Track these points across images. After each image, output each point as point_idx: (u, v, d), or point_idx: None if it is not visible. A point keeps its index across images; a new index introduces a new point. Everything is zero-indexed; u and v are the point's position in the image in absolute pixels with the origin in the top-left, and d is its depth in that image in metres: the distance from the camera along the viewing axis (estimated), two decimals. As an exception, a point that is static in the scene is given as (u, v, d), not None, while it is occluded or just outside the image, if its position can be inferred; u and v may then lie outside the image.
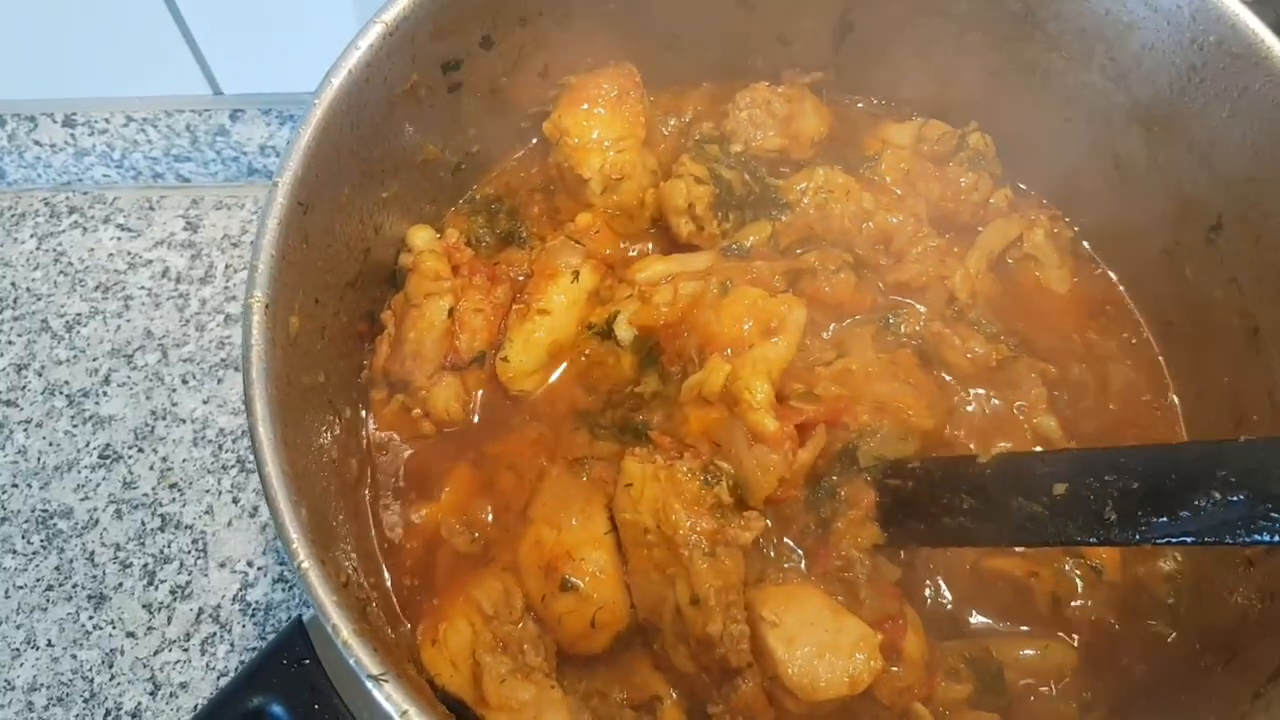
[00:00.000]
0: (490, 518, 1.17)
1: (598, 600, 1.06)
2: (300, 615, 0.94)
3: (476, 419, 1.23)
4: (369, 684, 0.81)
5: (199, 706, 1.36)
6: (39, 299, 1.70)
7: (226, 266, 1.73)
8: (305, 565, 0.84)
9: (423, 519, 1.18)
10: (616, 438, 1.17)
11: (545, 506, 1.13)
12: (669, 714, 1.05)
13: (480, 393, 1.23)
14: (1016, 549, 1.12)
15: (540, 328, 1.22)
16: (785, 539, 1.11)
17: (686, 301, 1.21)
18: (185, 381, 1.62)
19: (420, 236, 1.25)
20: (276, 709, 0.88)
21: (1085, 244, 1.39)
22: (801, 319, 1.16)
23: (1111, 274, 1.37)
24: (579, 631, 1.06)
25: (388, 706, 0.81)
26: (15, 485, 1.54)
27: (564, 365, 1.24)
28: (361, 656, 0.82)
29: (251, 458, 1.56)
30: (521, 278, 1.27)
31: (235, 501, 1.53)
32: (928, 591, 1.13)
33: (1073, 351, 1.31)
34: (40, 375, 1.63)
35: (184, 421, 1.59)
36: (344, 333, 1.17)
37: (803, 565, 1.10)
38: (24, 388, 1.62)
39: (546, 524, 1.11)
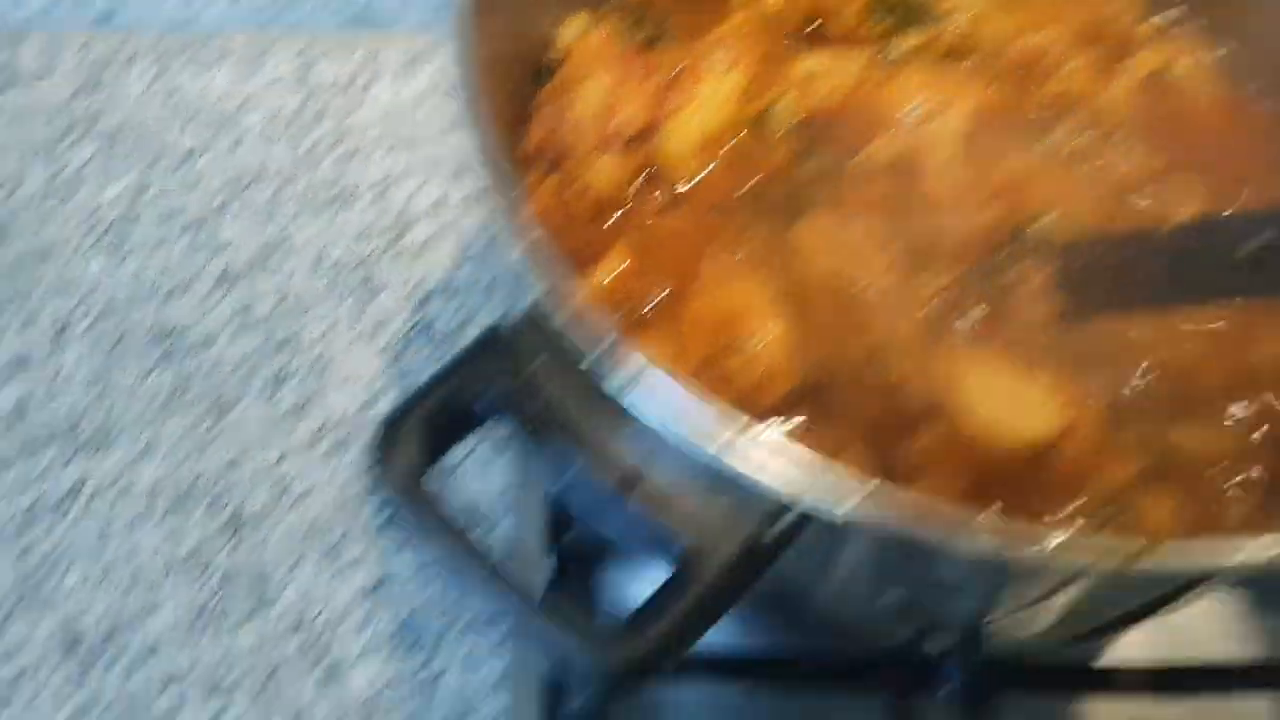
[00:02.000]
0: (649, 297, 1.16)
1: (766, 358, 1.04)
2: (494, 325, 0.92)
3: (631, 203, 1.21)
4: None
5: (331, 498, 1.36)
6: (151, 136, 1.69)
7: (337, 109, 1.72)
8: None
9: (576, 302, 1.17)
10: (777, 219, 1.16)
11: (706, 280, 1.11)
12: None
13: (637, 177, 1.22)
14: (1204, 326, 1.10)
15: (695, 114, 1.20)
16: (962, 310, 1.09)
17: (845, 92, 1.20)
18: (298, 215, 1.61)
19: (576, 25, 1.24)
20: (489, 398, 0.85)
21: (1233, 71, 1.37)
22: (971, 101, 1.14)
23: (1262, 99, 1.35)
24: (752, 386, 1.04)
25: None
26: (132, 302, 1.53)
27: (719, 153, 1.22)
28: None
29: (368, 284, 1.56)
30: (674, 73, 1.25)
31: (352, 327, 1.51)
32: (1105, 372, 1.10)
33: (1222, 174, 1.29)
34: (155, 203, 1.62)
35: (300, 251, 1.58)
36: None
37: (980, 336, 1.08)
38: (138, 216, 1.61)
39: (710, 294, 1.09)
